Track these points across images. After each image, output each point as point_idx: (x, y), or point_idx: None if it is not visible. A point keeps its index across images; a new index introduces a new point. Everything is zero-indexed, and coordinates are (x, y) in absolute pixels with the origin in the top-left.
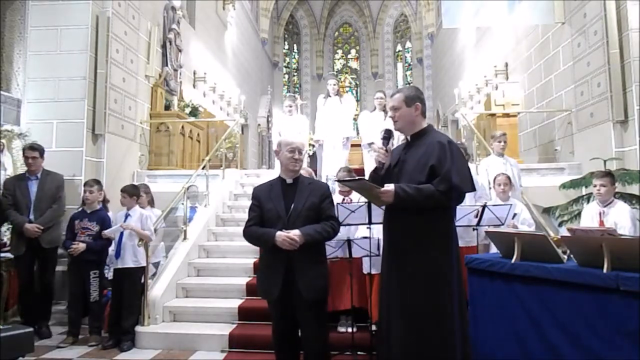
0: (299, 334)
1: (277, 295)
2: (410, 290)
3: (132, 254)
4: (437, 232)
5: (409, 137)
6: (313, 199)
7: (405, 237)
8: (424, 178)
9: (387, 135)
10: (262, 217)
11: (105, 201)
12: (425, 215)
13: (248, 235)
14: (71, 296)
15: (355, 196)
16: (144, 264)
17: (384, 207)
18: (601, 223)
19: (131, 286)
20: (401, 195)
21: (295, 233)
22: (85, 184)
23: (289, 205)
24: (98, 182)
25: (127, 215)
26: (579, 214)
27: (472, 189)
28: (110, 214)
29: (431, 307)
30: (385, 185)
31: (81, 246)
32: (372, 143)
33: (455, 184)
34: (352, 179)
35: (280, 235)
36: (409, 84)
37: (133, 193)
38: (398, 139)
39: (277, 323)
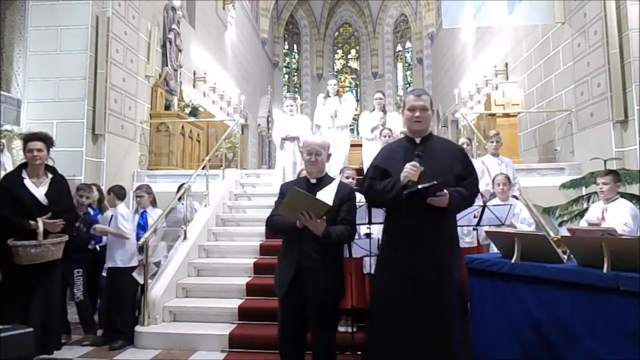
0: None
1: (285, 292)
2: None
3: (120, 254)
4: (447, 232)
5: (417, 139)
6: (334, 201)
7: (421, 236)
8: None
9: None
10: None
11: (100, 201)
12: (440, 216)
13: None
14: None
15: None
16: (134, 264)
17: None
18: (602, 218)
19: (121, 285)
20: (453, 203)
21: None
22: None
23: None
24: (88, 186)
25: (112, 217)
26: (579, 214)
27: None
28: (108, 212)
29: (436, 305)
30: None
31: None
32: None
33: (478, 189)
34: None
35: None
36: (409, 84)
37: (119, 194)
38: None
39: (284, 321)
